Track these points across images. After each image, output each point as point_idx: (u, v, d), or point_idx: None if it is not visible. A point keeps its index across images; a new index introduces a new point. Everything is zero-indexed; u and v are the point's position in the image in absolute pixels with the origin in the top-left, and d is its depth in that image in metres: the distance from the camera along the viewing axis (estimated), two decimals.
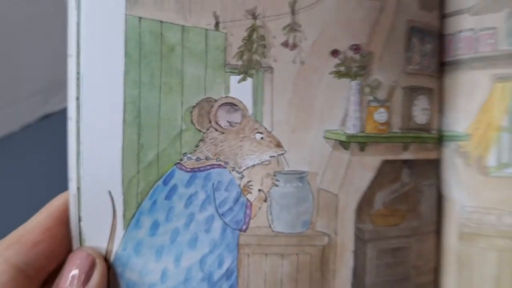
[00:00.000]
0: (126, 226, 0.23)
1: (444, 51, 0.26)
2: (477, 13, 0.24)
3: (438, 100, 0.26)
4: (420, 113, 0.25)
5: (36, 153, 0.55)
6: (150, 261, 0.23)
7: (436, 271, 0.27)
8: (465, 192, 0.26)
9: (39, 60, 0.53)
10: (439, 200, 0.27)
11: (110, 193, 0.23)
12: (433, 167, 0.26)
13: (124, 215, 0.23)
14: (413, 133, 0.25)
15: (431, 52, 0.25)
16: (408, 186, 0.26)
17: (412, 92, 0.25)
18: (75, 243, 0.23)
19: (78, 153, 0.23)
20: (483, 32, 0.24)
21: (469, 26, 0.25)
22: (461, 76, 0.25)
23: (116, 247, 0.23)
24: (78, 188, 0.23)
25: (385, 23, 0.24)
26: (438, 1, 0.25)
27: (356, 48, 0.24)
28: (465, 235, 0.26)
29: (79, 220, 0.23)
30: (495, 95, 0.24)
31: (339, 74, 0.24)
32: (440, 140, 0.26)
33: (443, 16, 0.25)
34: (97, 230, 0.23)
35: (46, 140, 0.55)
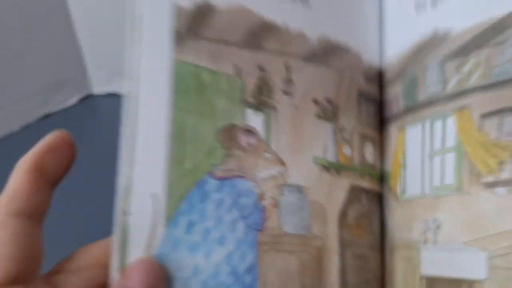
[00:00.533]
0: (166, 225, 0.27)
1: (382, 111, 0.37)
2: (391, 84, 0.36)
3: (380, 147, 0.36)
4: (369, 155, 0.35)
5: None
6: (184, 257, 0.27)
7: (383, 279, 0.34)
8: (389, 214, 0.34)
9: (39, 60, 0.51)
10: (382, 223, 0.35)
11: (156, 195, 0.27)
12: (379, 197, 0.35)
13: (165, 215, 0.27)
14: (366, 168, 0.34)
15: (373, 111, 0.36)
16: (365, 207, 0.34)
17: (363, 138, 0.35)
18: (119, 235, 0.26)
19: (131, 160, 0.27)
20: (393, 96, 0.36)
21: (377, 94, 0.36)
22: (387, 129, 0.36)
23: (156, 243, 0.26)
24: (128, 187, 0.26)
25: (344, 87, 0.34)
26: (377, 78, 0.37)
27: (328, 100, 0.33)
28: (390, 248, 0.34)
29: (126, 213, 0.26)
30: (398, 141, 0.35)
31: (319, 117, 0.33)
32: (381, 178, 0.36)
33: (381, 87, 0.37)
34: (141, 227, 0.26)
35: None
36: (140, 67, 0.28)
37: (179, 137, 0.28)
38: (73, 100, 0.63)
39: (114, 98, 0.67)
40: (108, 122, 0.69)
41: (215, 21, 0.31)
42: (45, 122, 0.58)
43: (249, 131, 0.30)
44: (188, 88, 0.29)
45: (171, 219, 0.27)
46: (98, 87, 0.65)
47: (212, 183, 0.28)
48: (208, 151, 0.29)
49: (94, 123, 0.65)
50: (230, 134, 0.30)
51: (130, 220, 0.26)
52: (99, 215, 0.49)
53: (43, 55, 0.55)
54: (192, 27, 0.30)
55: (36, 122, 0.58)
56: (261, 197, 0.30)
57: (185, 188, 0.27)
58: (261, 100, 0.31)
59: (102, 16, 0.58)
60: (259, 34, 0.32)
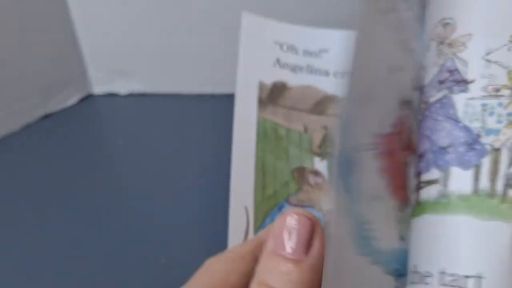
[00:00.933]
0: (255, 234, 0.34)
1: None
2: None
3: None
4: None
5: (36, 153, 0.52)
6: None
7: None
8: None
9: (39, 60, 0.51)
10: None
11: (246, 208, 0.34)
12: None
13: (254, 225, 0.34)
14: None
15: None
16: None
17: None
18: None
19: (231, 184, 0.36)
20: None
21: None
22: None
23: None
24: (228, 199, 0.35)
25: None
26: None
27: None
28: None
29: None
30: None
31: None
32: None
33: None
34: (236, 234, 0.33)
35: (46, 140, 0.52)
36: (236, 120, 0.38)
37: (262, 170, 0.36)
38: (73, 100, 0.63)
39: (114, 98, 0.67)
40: (108, 122, 0.71)
41: (288, 95, 0.41)
42: (45, 122, 0.56)
43: (317, 173, 0.38)
44: (269, 137, 0.38)
45: (259, 229, 0.34)
46: (98, 87, 0.68)
47: (288, 207, 0.36)
48: (284, 184, 0.37)
49: (94, 123, 0.66)
50: (301, 174, 0.38)
51: (230, 229, 0.34)
52: (98, 215, 0.50)
53: (43, 55, 0.52)
54: (271, 97, 0.40)
55: (36, 122, 0.55)
56: (327, 224, 0.36)
57: (268, 207, 0.35)
58: (325, 151, 0.39)
59: (102, 16, 0.62)
60: (323, 103, 0.41)
